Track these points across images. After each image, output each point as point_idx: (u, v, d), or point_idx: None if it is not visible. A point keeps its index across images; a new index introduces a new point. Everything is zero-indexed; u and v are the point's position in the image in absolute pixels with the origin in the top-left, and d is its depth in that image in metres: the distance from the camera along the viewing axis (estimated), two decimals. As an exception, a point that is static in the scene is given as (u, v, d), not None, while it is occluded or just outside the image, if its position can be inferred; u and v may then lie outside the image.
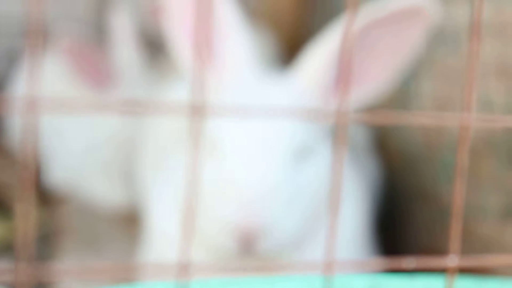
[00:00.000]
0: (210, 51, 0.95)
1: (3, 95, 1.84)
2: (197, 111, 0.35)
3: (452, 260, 0.39)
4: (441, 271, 0.48)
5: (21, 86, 1.74)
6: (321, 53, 0.91)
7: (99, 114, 1.58)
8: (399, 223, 1.18)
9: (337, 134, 0.37)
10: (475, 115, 0.37)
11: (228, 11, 0.93)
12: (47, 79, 1.62)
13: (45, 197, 1.66)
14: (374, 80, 0.92)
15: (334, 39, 0.90)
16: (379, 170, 1.15)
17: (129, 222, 1.52)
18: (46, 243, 1.50)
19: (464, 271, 0.60)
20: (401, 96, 1.14)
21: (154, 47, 2.06)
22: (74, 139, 1.65)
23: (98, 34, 1.98)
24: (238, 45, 0.94)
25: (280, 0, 1.87)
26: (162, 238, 0.98)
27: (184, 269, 0.36)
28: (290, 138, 0.87)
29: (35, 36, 0.36)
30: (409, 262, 0.39)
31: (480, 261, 0.40)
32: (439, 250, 1.10)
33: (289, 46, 1.82)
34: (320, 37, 0.93)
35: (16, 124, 1.79)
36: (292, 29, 1.86)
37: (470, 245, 1.03)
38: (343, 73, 0.39)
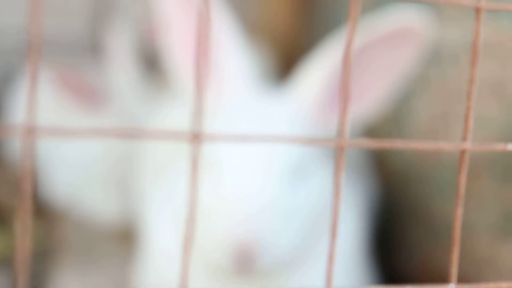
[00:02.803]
0: (209, 70, 0.95)
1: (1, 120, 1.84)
2: (196, 138, 0.35)
3: None
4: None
5: (20, 108, 1.75)
6: (318, 70, 0.92)
7: (97, 138, 1.58)
8: (395, 241, 1.18)
9: (336, 158, 0.37)
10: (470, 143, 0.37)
11: (226, 28, 0.93)
12: (43, 102, 1.63)
13: (42, 212, 1.66)
14: (369, 98, 0.93)
15: (331, 55, 0.91)
16: (374, 188, 1.15)
17: (125, 238, 1.52)
18: (43, 259, 1.49)
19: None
20: (396, 115, 1.14)
21: (150, 64, 2.07)
22: (71, 154, 1.64)
23: (94, 51, 1.99)
24: (236, 62, 0.94)
25: (277, 15, 1.87)
26: (160, 255, 0.98)
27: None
28: (286, 156, 0.88)
29: (35, 61, 0.36)
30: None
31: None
32: (435, 269, 1.10)
33: (285, 60, 1.82)
34: (316, 53, 0.93)
35: (15, 143, 1.80)
36: (289, 44, 1.85)
37: (465, 264, 1.03)
38: (343, 95, 0.39)
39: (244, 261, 0.83)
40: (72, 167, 1.64)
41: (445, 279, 1.07)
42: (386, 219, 1.17)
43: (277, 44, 1.85)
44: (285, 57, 1.84)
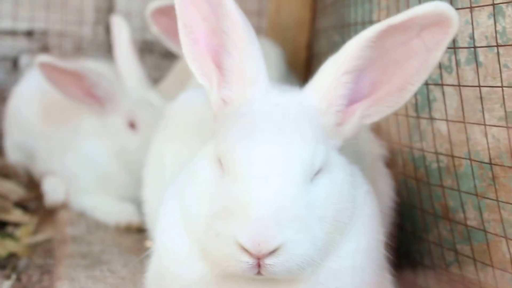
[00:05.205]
0: (223, 66, 0.94)
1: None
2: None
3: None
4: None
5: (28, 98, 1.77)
6: (334, 71, 0.90)
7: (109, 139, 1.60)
8: (412, 238, 1.17)
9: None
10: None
11: (241, 27, 0.92)
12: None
13: (48, 205, 1.67)
14: (398, 89, 0.91)
15: (347, 58, 0.89)
16: (392, 185, 1.14)
17: (134, 232, 1.53)
18: (48, 251, 1.48)
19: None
20: (416, 106, 1.12)
21: (157, 54, 2.10)
22: (75, 155, 1.65)
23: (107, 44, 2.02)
24: (251, 60, 0.93)
25: (290, 17, 1.88)
26: (163, 252, 0.96)
27: None
28: (302, 159, 0.86)
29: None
30: None
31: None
32: (455, 265, 1.08)
33: (297, 62, 1.83)
34: (332, 55, 0.91)
35: (11, 141, 1.83)
36: (301, 46, 1.86)
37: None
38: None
39: (256, 268, 0.82)
40: (76, 169, 1.66)
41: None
42: (404, 215, 1.16)
43: (288, 45, 1.85)
44: (296, 58, 1.85)
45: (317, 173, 0.87)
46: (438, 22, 0.86)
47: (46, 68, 1.51)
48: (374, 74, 0.91)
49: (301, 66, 1.83)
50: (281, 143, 0.86)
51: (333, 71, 0.90)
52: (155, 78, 1.98)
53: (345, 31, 1.29)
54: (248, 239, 0.81)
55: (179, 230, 0.94)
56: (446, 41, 0.87)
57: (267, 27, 1.91)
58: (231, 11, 0.91)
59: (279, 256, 0.82)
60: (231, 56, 0.93)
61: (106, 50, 2.08)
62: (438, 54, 0.88)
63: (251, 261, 0.82)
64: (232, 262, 0.83)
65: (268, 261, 0.82)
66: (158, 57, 2.13)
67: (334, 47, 1.10)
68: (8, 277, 1.34)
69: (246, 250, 0.81)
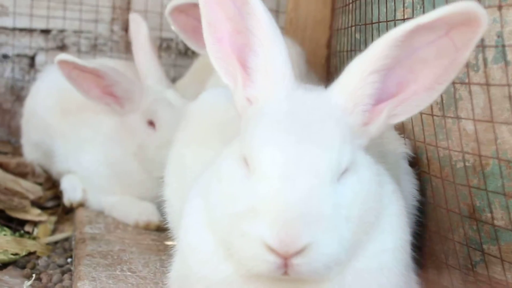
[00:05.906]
0: (248, 65, 0.94)
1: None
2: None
3: None
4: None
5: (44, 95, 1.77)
6: (361, 70, 0.89)
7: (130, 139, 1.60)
8: (437, 237, 1.16)
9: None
10: None
11: (267, 25, 0.91)
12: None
13: (66, 204, 1.66)
14: (426, 88, 0.90)
15: (374, 57, 0.88)
16: (416, 184, 1.14)
17: (153, 231, 1.53)
18: (67, 250, 1.49)
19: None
20: (441, 105, 1.11)
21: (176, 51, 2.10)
22: (93, 153, 1.64)
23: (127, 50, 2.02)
24: (277, 59, 0.92)
25: (308, 15, 1.87)
26: (188, 252, 0.96)
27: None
28: (329, 158, 0.85)
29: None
30: None
31: None
32: (482, 265, 1.07)
33: (316, 60, 1.82)
34: (356, 54, 0.91)
35: (29, 140, 1.82)
36: (321, 44, 1.85)
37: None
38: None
39: (283, 268, 0.81)
40: (95, 168, 1.66)
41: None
42: (429, 215, 1.15)
43: (309, 44, 1.85)
44: (317, 57, 1.84)
45: (344, 172, 0.87)
46: (467, 21, 0.85)
47: (66, 66, 1.51)
48: (401, 74, 0.90)
49: (321, 65, 1.82)
50: (307, 143, 0.85)
51: (360, 70, 0.89)
52: (172, 76, 1.98)
53: (368, 29, 1.27)
54: (275, 239, 0.80)
55: (204, 229, 0.93)
56: (475, 40, 0.86)
57: (285, 25, 1.90)
58: (257, 9, 0.91)
59: (306, 256, 0.81)
60: (256, 54, 0.92)
61: (123, 48, 2.09)
62: (466, 53, 0.87)
63: (278, 261, 0.81)
64: (259, 262, 0.82)
65: (295, 261, 0.81)
66: (175, 56, 2.13)
67: (355, 46, 1.08)
68: (28, 276, 1.34)
69: (273, 250, 0.81)
